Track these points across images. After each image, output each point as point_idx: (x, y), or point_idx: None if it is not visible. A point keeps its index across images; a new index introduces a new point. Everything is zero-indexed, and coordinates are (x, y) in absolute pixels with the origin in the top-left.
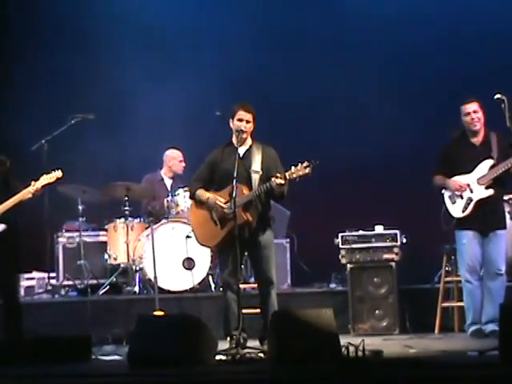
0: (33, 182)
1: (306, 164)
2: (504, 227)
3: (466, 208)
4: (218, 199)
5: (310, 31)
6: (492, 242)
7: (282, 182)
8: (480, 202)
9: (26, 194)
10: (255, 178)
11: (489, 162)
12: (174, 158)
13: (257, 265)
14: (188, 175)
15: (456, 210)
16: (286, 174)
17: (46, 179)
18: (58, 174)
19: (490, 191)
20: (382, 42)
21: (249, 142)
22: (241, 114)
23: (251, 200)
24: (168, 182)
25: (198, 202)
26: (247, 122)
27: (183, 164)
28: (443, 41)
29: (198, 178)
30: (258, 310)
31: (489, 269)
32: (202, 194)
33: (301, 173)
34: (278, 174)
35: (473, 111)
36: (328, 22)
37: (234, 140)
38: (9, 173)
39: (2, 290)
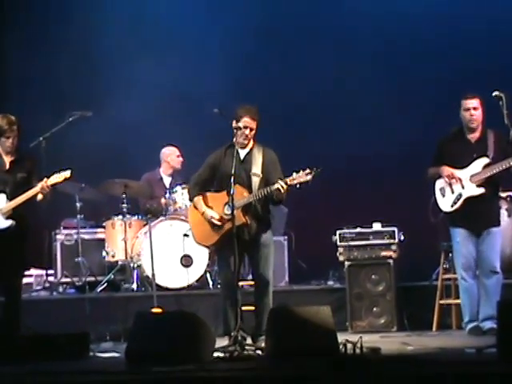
0: (45, 179)
1: (307, 171)
2: (498, 225)
3: (455, 203)
4: (213, 216)
5: (311, 32)
6: (486, 240)
7: (284, 186)
8: (470, 199)
9: (35, 190)
10: (255, 181)
11: (484, 161)
12: (171, 154)
13: (255, 264)
14: (186, 171)
15: (445, 203)
16: (287, 179)
17: (55, 178)
18: (67, 174)
19: (481, 190)
20: (382, 43)
21: (250, 144)
22: (246, 121)
23: (250, 203)
24: (167, 181)
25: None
26: (251, 129)
27: (181, 159)
28: (443, 40)
29: (198, 181)
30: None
31: (484, 267)
32: (199, 204)
33: (302, 179)
34: (280, 181)
35: (473, 108)
36: (329, 22)
37: (236, 141)
38: (33, 172)
39: (6, 287)
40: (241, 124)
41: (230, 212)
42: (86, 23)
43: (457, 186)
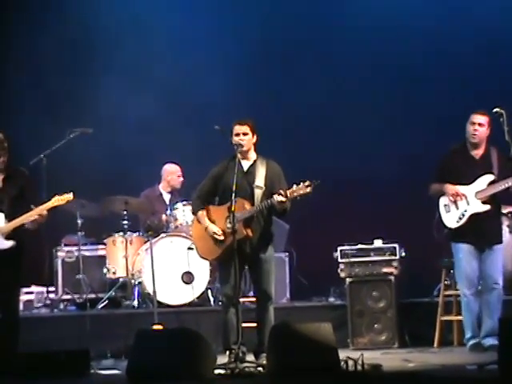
0: (43, 208)
1: (307, 183)
2: (500, 241)
3: (460, 219)
4: (216, 232)
5: (311, 46)
6: (489, 256)
7: (283, 199)
8: (475, 216)
9: (33, 213)
10: (258, 193)
11: (489, 178)
12: (172, 173)
13: (256, 280)
14: (187, 190)
15: (450, 219)
16: (288, 191)
17: (57, 201)
18: (70, 196)
19: (487, 206)
20: (383, 57)
21: (253, 156)
22: (236, 128)
23: (252, 216)
24: (166, 197)
25: None
26: (244, 134)
27: (181, 179)
28: (444, 55)
29: (201, 194)
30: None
31: (486, 283)
32: (202, 219)
33: (301, 192)
34: (281, 192)
35: (478, 123)
36: (330, 36)
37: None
38: (26, 186)
39: (3, 304)
40: (234, 133)
41: (231, 226)
42: (84, 27)
43: (462, 203)
